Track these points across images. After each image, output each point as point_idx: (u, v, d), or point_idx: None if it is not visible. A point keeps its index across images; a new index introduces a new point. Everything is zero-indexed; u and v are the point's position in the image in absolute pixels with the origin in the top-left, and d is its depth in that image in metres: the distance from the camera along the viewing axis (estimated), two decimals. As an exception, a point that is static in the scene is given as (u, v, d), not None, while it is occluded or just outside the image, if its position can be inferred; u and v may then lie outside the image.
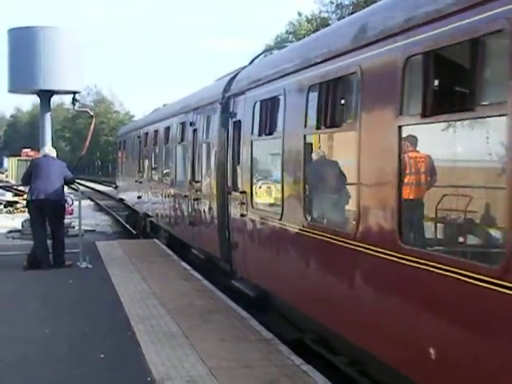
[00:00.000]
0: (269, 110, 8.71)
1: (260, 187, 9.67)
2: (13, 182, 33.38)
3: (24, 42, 16.39)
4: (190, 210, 13.33)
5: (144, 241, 18.32)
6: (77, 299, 10.20)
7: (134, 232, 21.90)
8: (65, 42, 16.64)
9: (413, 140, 5.83)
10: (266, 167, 10.11)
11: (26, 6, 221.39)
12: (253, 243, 9.44)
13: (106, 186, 61.47)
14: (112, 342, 7.88)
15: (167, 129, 16.18)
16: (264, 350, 7.51)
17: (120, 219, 28.00)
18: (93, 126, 19.78)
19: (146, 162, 19.75)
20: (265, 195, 9.64)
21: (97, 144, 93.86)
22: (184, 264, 13.24)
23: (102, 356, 7.31)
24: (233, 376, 6.71)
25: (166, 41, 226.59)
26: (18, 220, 21.12)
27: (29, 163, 14.65)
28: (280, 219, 8.11)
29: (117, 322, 8.77)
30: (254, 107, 9.26)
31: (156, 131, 17.87)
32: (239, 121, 9.98)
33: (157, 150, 17.83)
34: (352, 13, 30.49)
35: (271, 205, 9.28)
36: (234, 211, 10.07)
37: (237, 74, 11.04)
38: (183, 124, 14.22)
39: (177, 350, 7.52)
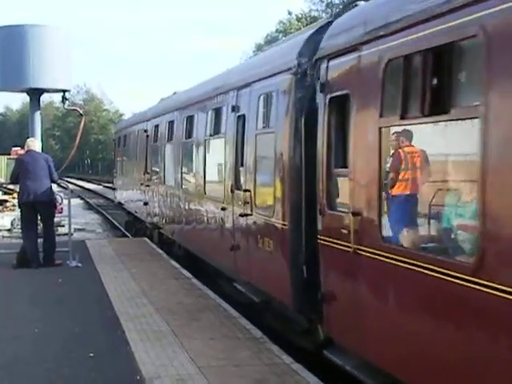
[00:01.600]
0: (428, 71, 5.11)
1: (405, 210, 5.96)
2: (2, 180, 33.19)
3: (13, 41, 16.30)
4: (231, 230, 9.85)
5: (133, 239, 18.28)
6: (67, 298, 10.17)
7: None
8: (54, 40, 16.56)
9: None
10: (428, 172, 5.76)
11: (21, 3, 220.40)
12: (384, 304, 5.86)
13: (95, 184, 61.68)
14: (102, 341, 7.87)
15: (189, 119, 12.84)
16: (254, 349, 7.51)
17: (110, 217, 27.99)
18: (82, 124, 19.69)
19: (157, 162, 16.22)
20: (420, 222, 5.84)
21: (86, 142, 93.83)
22: (173, 262, 13.23)
23: (92, 355, 7.30)
24: (222, 375, 6.71)
25: (159, 40, 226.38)
26: (7, 218, 21.10)
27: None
28: (474, 273, 4.51)
29: (107, 321, 8.76)
30: (384, 71, 5.66)
31: (171, 122, 14.51)
32: (345, 96, 6.46)
33: (173, 146, 14.30)
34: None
35: (438, 241, 5.55)
36: (333, 243, 6.64)
37: (328, 23, 7.47)
38: (218, 110, 10.82)
39: (166, 349, 7.52)
